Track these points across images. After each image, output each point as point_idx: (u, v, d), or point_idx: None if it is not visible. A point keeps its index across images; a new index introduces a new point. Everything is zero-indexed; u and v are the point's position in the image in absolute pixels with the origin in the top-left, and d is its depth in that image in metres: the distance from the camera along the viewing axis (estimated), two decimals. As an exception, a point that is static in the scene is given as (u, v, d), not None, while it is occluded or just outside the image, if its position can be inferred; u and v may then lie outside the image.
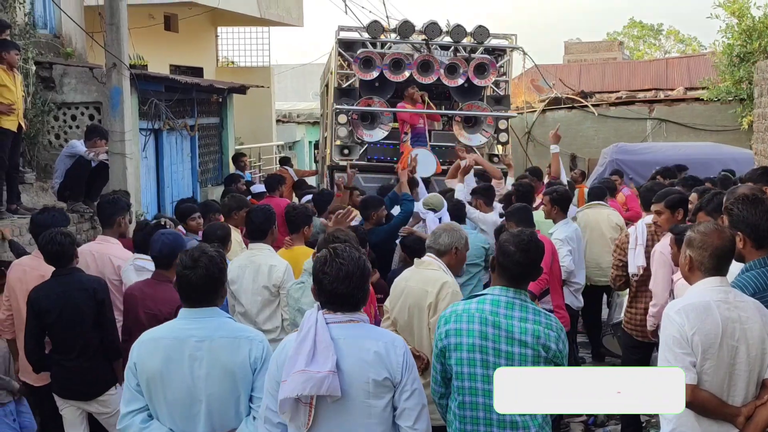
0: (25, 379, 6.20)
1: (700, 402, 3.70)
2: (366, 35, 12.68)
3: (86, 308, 5.59)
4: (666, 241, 6.18)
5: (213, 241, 6.38)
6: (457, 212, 8.22)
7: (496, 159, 12.85)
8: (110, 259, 6.34)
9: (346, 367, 3.41)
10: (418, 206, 8.61)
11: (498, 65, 12.80)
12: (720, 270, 3.83)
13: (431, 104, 12.48)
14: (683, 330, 3.70)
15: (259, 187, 11.97)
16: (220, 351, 3.71)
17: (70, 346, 5.67)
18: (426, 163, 11.47)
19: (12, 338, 6.26)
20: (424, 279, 5.33)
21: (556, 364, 3.84)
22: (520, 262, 3.84)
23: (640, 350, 6.74)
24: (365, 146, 12.51)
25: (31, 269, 6.11)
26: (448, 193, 9.51)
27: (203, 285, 3.75)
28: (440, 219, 8.09)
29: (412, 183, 9.66)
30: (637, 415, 6.64)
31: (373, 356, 3.43)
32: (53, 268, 5.76)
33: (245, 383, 3.74)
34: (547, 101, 19.93)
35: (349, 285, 3.49)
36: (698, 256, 3.84)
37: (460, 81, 12.52)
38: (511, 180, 11.04)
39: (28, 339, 5.74)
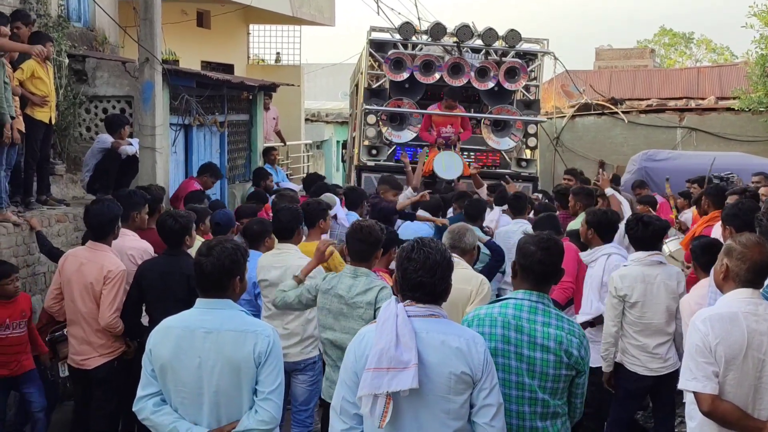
0: (71, 363, 6.26)
1: (720, 413, 3.66)
2: (397, 36, 12.70)
3: (181, 293, 5.66)
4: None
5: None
6: (474, 211, 8.11)
7: (524, 163, 12.84)
8: (125, 251, 6.39)
9: (428, 359, 3.39)
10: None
11: (529, 69, 12.78)
12: (755, 283, 3.82)
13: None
14: (707, 339, 3.68)
15: (287, 183, 12.01)
16: (226, 344, 3.74)
17: None
18: (451, 165, 11.47)
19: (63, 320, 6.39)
20: (457, 278, 5.32)
21: (578, 371, 3.82)
22: (541, 261, 3.83)
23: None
24: (393, 147, 12.53)
25: (89, 261, 6.08)
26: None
27: (212, 273, 3.80)
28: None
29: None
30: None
31: (454, 351, 3.42)
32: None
33: (249, 377, 3.75)
34: (576, 107, 19.76)
35: (434, 275, 3.51)
36: (735, 267, 3.82)
37: (491, 84, 12.51)
38: None
39: (127, 305, 6.05)
